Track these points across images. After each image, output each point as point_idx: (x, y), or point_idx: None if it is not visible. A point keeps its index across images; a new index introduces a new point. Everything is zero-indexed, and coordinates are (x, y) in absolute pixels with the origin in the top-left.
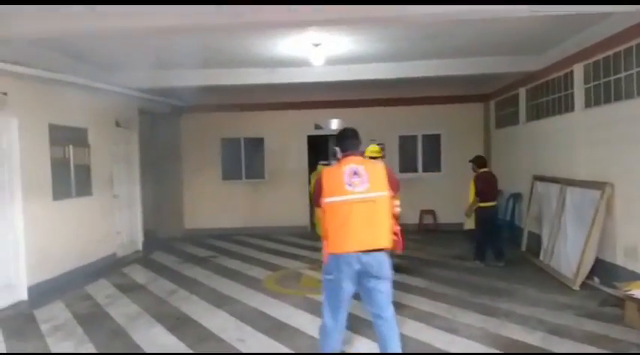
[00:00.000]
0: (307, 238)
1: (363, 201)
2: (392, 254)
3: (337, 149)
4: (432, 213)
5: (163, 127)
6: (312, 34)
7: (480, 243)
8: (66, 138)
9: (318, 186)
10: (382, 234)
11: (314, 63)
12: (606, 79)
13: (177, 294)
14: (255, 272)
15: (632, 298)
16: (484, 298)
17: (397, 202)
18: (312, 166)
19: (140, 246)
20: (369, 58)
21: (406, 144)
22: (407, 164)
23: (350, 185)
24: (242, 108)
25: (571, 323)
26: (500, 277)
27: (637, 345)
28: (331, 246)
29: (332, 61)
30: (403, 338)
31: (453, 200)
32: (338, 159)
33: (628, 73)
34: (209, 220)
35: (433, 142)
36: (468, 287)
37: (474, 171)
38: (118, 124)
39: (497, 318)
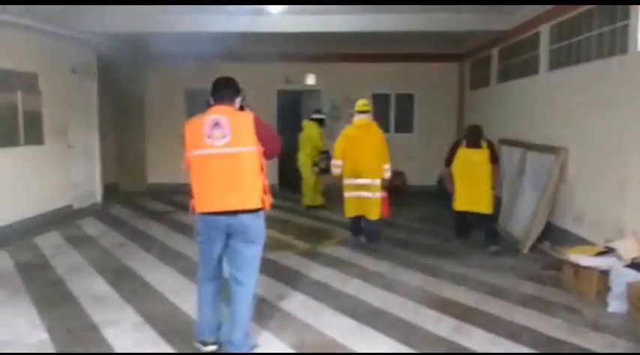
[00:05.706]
0: (274, 197)
1: (224, 156)
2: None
3: (211, 99)
4: (401, 174)
5: (127, 77)
6: None
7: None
8: (12, 83)
9: (183, 139)
10: (247, 194)
11: (271, 10)
12: (569, 41)
13: (126, 248)
14: None
15: (568, 262)
16: (430, 259)
17: (386, 167)
18: (285, 123)
19: (99, 199)
20: (334, 10)
21: (379, 103)
22: (379, 124)
23: (209, 137)
24: (208, 58)
25: (510, 285)
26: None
27: (565, 307)
28: (197, 204)
29: (294, 11)
30: (346, 296)
31: (424, 162)
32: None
33: (587, 35)
34: (172, 175)
35: (406, 102)
36: (418, 249)
37: (485, 139)
38: (74, 71)
39: (439, 278)
